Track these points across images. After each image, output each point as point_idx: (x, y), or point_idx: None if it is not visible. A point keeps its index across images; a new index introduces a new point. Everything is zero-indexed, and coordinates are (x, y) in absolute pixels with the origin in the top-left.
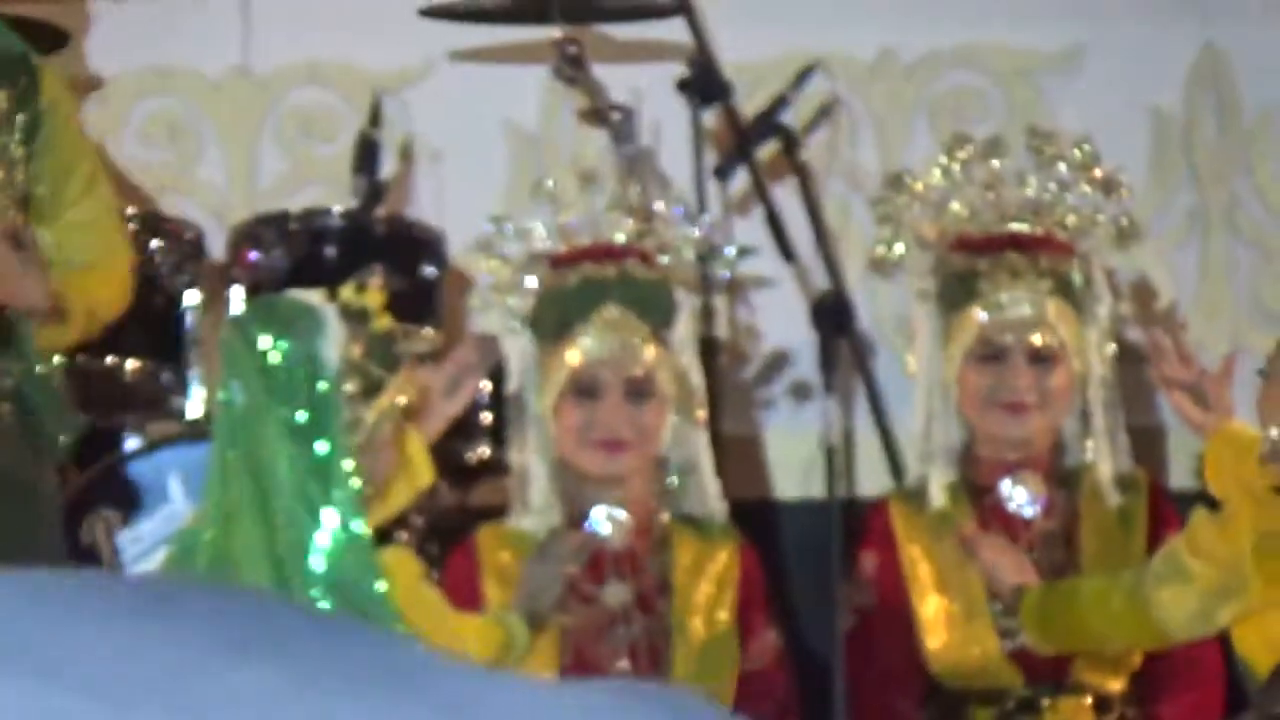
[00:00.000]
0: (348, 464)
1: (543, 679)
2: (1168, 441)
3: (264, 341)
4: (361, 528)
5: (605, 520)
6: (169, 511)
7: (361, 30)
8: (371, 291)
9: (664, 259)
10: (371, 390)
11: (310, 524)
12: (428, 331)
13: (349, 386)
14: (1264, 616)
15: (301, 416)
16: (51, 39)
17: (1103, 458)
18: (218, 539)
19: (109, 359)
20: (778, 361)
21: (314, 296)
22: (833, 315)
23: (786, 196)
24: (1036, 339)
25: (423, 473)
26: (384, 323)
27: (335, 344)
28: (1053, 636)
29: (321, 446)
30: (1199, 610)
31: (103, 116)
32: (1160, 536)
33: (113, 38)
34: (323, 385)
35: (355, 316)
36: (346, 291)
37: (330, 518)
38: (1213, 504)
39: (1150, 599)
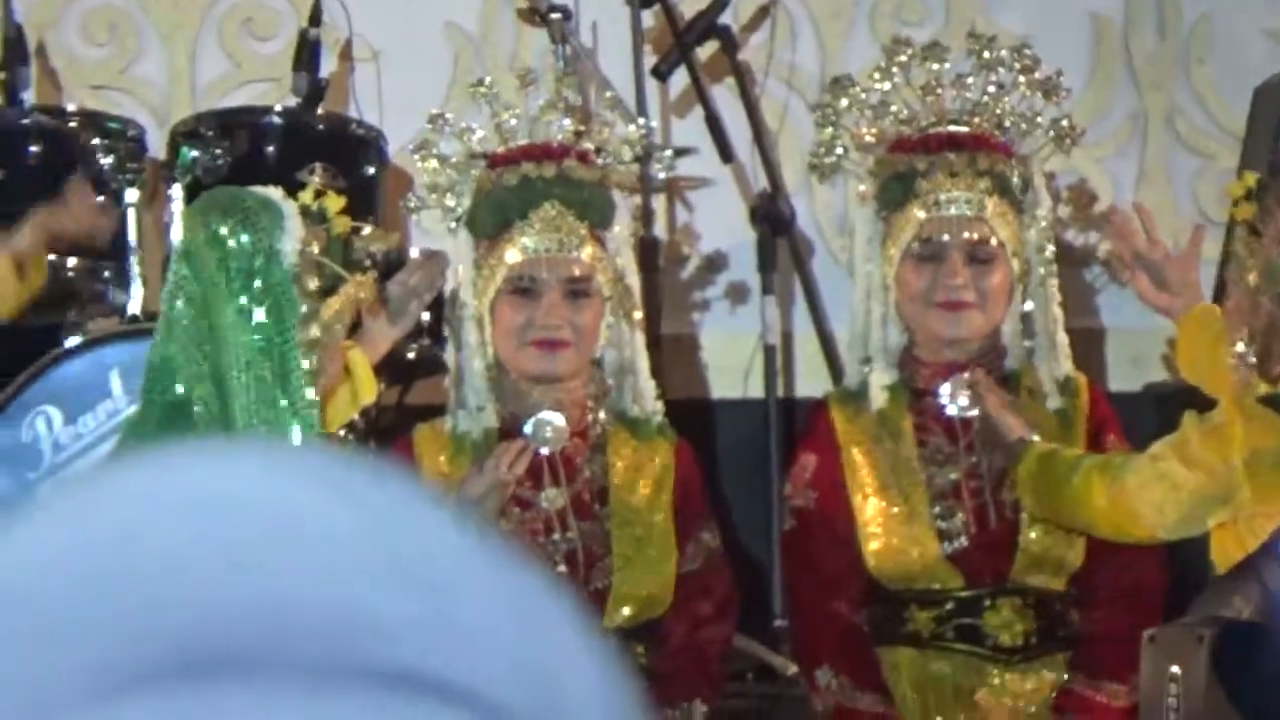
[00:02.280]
0: (304, 365)
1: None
2: (1106, 344)
3: (224, 230)
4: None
5: (541, 426)
6: (110, 407)
7: None
8: (330, 195)
9: (602, 159)
10: (328, 289)
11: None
12: (382, 234)
13: (308, 282)
14: (1249, 523)
15: (259, 310)
16: None
17: (1042, 360)
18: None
19: (50, 256)
20: (716, 262)
21: (274, 192)
22: (771, 217)
23: (725, 98)
24: (975, 236)
25: (365, 388)
26: (343, 224)
27: (293, 239)
28: (1040, 501)
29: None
30: (1189, 514)
31: (42, 9)
32: (1100, 439)
33: None
34: (278, 274)
35: (313, 217)
36: (305, 195)
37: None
38: (1189, 403)
39: (1135, 499)
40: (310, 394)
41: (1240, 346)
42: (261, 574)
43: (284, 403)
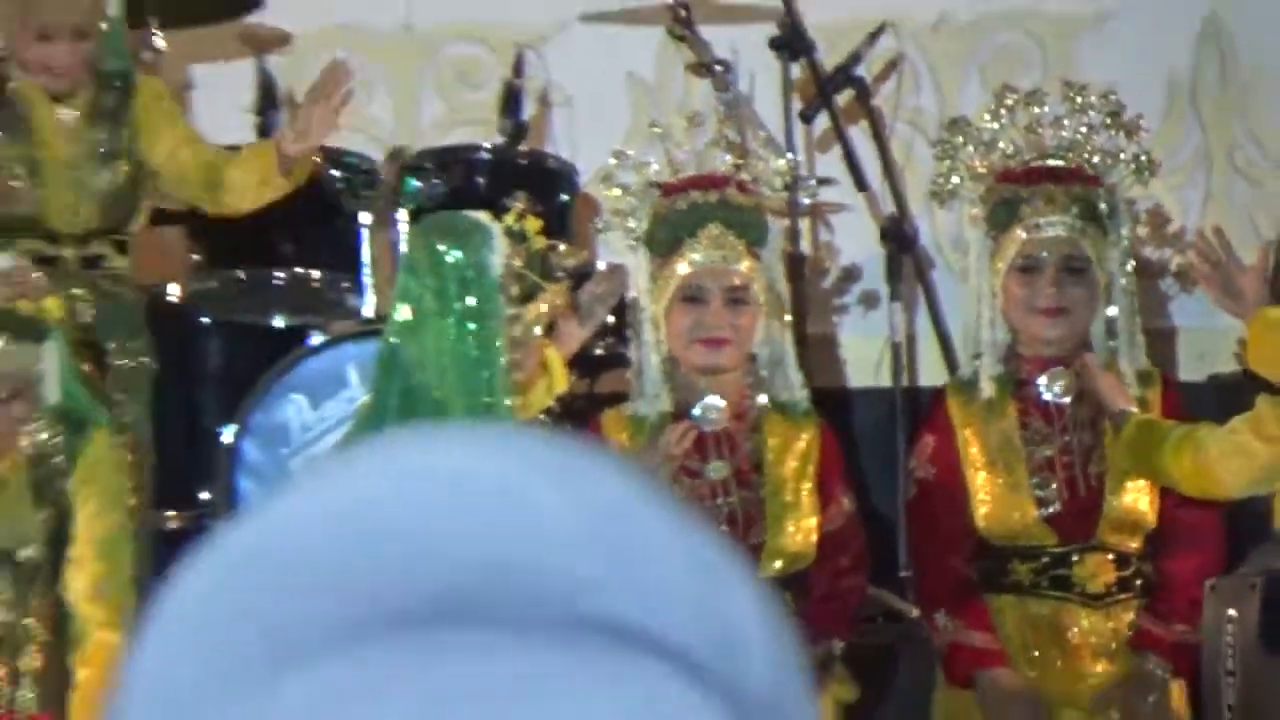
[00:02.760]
0: (505, 362)
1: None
2: (1177, 342)
3: (442, 248)
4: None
5: (707, 410)
6: (348, 395)
7: None
8: (530, 218)
9: (757, 188)
10: (528, 296)
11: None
12: (574, 250)
13: (511, 291)
14: None
15: (471, 315)
16: (246, 3)
17: (1123, 355)
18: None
19: (298, 270)
20: (851, 274)
21: (483, 216)
22: (897, 236)
23: (860, 137)
24: (1069, 254)
25: (559, 380)
26: (540, 242)
27: (499, 255)
28: (1138, 461)
29: (485, 345)
30: (1260, 479)
31: (292, 66)
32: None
33: (298, 2)
34: (487, 285)
35: (516, 235)
36: (509, 218)
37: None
38: (1266, 387)
39: (1216, 466)
40: (510, 385)
41: None
42: (485, 538)
43: (488, 395)
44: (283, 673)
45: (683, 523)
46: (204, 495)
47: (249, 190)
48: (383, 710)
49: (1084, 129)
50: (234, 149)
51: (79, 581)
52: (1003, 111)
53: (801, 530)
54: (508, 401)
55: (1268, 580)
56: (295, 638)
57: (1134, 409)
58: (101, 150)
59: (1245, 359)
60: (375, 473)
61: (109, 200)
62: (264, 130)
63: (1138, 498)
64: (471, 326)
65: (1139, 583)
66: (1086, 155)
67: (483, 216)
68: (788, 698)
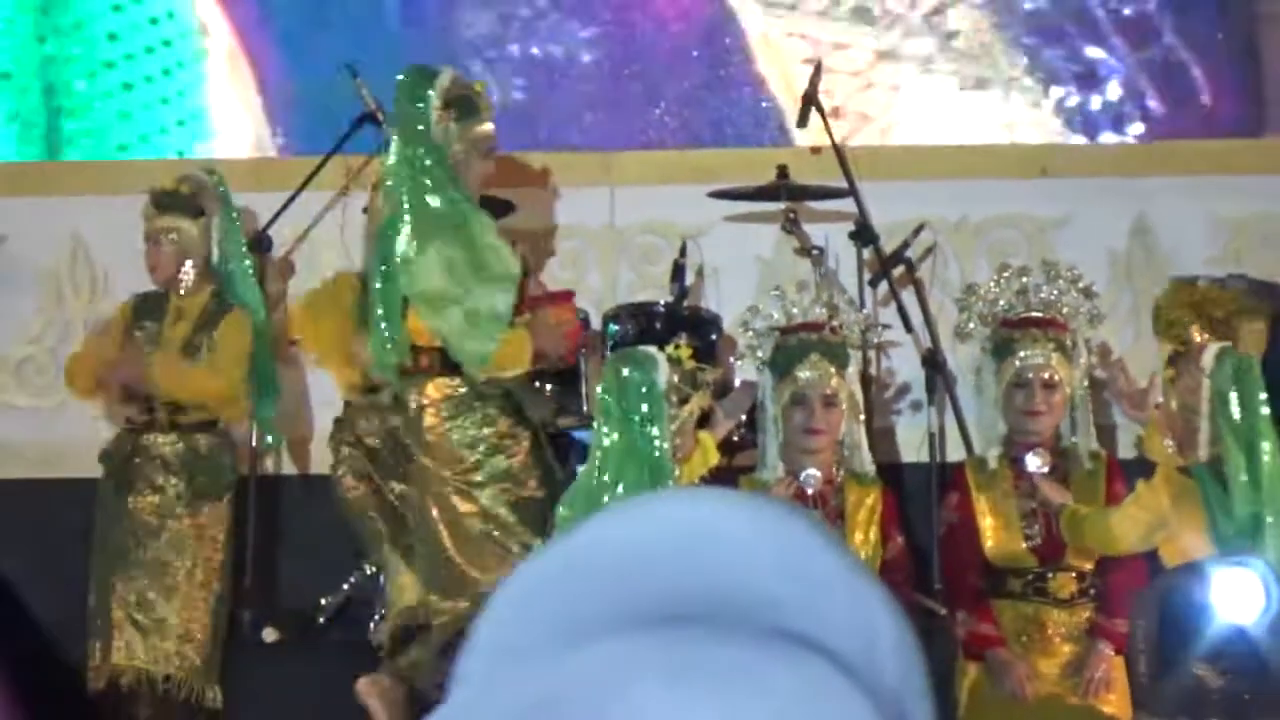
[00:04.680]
0: (669, 448)
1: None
2: (1117, 433)
3: (626, 372)
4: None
5: (808, 477)
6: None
7: (674, 204)
8: (683, 348)
9: (842, 331)
10: (683, 400)
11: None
12: (713, 370)
13: (671, 398)
14: (1177, 539)
15: (644, 414)
16: (505, 207)
17: (1081, 441)
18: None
19: (548, 385)
20: (903, 388)
21: (652, 350)
22: (933, 363)
23: (908, 297)
24: (1046, 375)
25: (711, 456)
26: (690, 364)
27: (663, 374)
28: (1069, 532)
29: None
30: (1145, 536)
31: (536, 254)
32: (1113, 487)
33: (541, 207)
34: (655, 395)
35: (675, 361)
36: (669, 350)
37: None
38: (1148, 472)
39: (1113, 531)
40: (674, 461)
41: (1169, 443)
42: (708, 568)
43: (661, 471)
44: (580, 645)
45: (840, 551)
46: None
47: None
48: (637, 678)
49: (1056, 292)
50: None
51: None
52: (1002, 280)
53: (869, 561)
54: (675, 471)
55: (1161, 596)
56: (579, 627)
57: (1067, 502)
58: None
59: (1142, 447)
60: (637, 520)
61: None
62: (680, 294)
63: None
64: (645, 428)
65: (1093, 591)
66: (1058, 309)
67: (654, 350)
68: (910, 691)
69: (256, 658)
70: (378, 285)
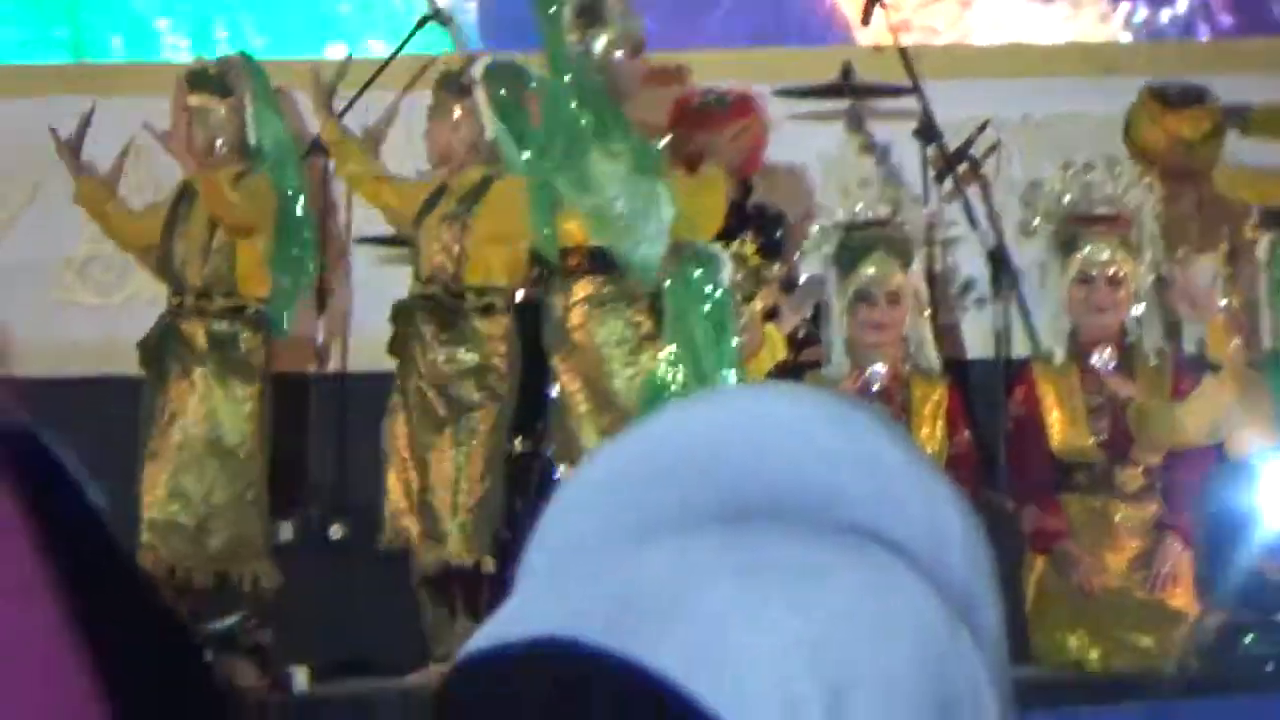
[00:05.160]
0: (735, 344)
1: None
2: (1181, 330)
3: (692, 270)
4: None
5: (874, 373)
6: None
7: None
8: (748, 245)
9: (907, 226)
10: (748, 297)
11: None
12: (778, 267)
13: (737, 294)
14: (1243, 432)
15: (709, 311)
16: None
17: (1146, 337)
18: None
19: None
20: (968, 284)
21: (717, 247)
22: (998, 258)
23: (973, 194)
24: (1111, 271)
25: (780, 350)
26: (755, 261)
27: (728, 272)
28: (1140, 430)
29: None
30: (1210, 430)
31: None
32: (1179, 382)
33: None
34: (721, 292)
35: (740, 258)
36: (734, 247)
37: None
38: (1213, 368)
39: (1181, 424)
40: (740, 355)
41: (1236, 341)
42: (780, 461)
43: (727, 363)
44: (648, 541)
45: (907, 446)
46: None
47: None
48: (709, 571)
49: (1121, 189)
50: None
51: None
52: (1066, 177)
53: (934, 456)
54: (739, 366)
55: (1227, 490)
56: (647, 523)
57: (1135, 395)
58: None
59: (1206, 348)
60: (705, 415)
61: None
62: (744, 188)
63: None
64: (711, 320)
65: (1160, 485)
66: (1123, 206)
67: (719, 247)
68: (978, 585)
69: (323, 554)
70: (531, 189)
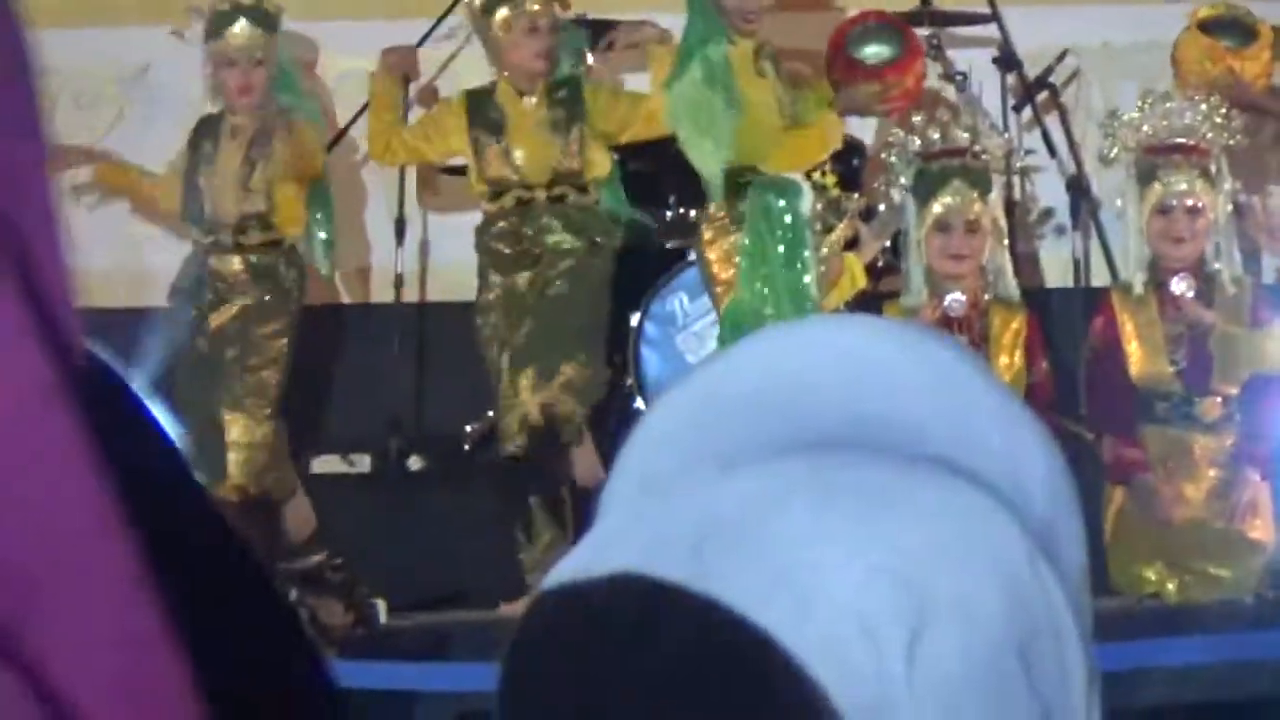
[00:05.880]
0: (814, 275)
1: None
2: (1261, 257)
3: (772, 199)
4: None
5: (953, 302)
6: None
7: (819, 31)
8: (827, 175)
9: (985, 156)
10: (828, 228)
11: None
12: (858, 197)
13: (816, 224)
14: None
15: (787, 239)
16: None
17: (1225, 266)
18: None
19: (681, 210)
20: (1047, 213)
21: (797, 177)
22: (1077, 187)
23: (1052, 123)
24: (1190, 201)
25: (859, 279)
26: (834, 191)
27: (808, 201)
28: (1224, 358)
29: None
30: None
31: None
32: (1258, 312)
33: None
34: (800, 222)
35: (819, 188)
36: (814, 176)
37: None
38: None
39: (1261, 350)
40: (819, 286)
41: None
42: (860, 394)
43: (806, 299)
44: (728, 471)
45: (987, 376)
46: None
47: None
48: (786, 498)
49: (1200, 118)
50: None
51: None
52: (1145, 106)
53: (1014, 384)
54: (811, 300)
55: None
56: (727, 454)
57: (1216, 323)
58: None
59: None
60: (784, 346)
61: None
62: None
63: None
64: (791, 250)
65: (1239, 416)
66: (1202, 135)
67: (798, 177)
68: (1060, 516)
69: (404, 486)
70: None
